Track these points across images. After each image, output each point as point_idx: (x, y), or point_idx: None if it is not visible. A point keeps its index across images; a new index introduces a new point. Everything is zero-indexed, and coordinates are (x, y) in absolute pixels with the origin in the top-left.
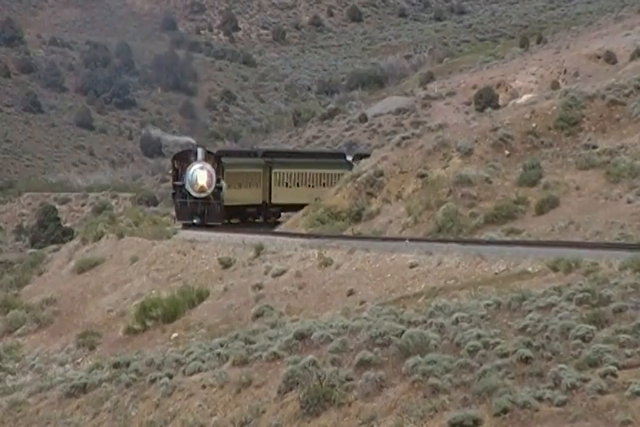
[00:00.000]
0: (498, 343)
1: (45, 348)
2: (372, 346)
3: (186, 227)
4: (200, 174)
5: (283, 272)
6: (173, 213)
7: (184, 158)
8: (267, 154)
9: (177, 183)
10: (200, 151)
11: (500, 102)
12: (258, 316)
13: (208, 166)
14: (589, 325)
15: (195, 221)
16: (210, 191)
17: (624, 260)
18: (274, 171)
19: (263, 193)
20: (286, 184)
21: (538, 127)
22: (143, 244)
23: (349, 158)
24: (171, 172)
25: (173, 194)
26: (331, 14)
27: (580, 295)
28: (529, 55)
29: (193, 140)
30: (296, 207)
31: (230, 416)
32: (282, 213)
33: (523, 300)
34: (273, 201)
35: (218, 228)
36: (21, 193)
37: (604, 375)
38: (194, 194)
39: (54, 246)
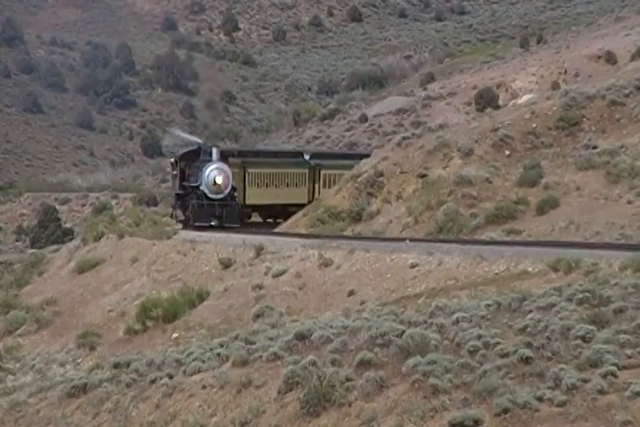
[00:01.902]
0: (498, 344)
1: (46, 348)
2: (373, 346)
3: (202, 229)
4: (217, 175)
5: (283, 272)
6: (179, 214)
7: (192, 158)
8: (241, 153)
9: (186, 184)
10: (215, 151)
11: (501, 103)
12: (258, 316)
13: (224, 166)
14: (590, 325)
15: (213, 223)
16: (227, 192)
17: (624, 260)
18: (248, 171)
19: (239, 194)
20: (257, 184)
21: (538, 127)
22: (143, 244)
23: (307, 157)
24: (175, 172)
25: (179, 195)
26: (331, 14)
27: (581, 296)
28: (529, 55)
29: (200, 140)
30: (265, 209)
31: (230, 417)
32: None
33: (523, 300)
34: (247, 202)
35: (217, 228)
36: (22, 193)
37: (604, 376)
38: (210, 195)
39: (54, 247)
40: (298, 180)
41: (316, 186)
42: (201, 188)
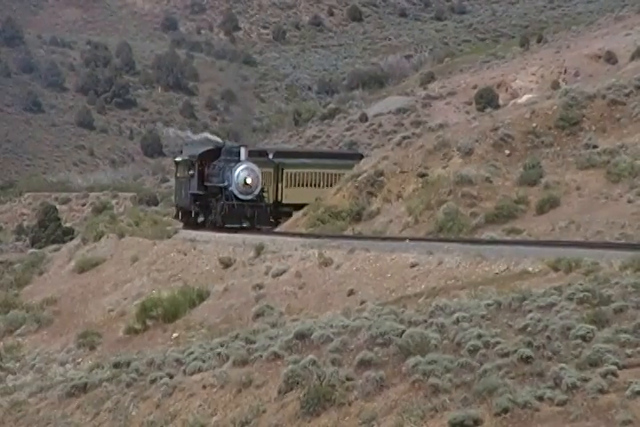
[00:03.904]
0: (498, 343)
1: (46, 348)
2: (373, 346)
3: (221, 228)
4: (247, 175)
5: (283, 272)
6: (195, 214)
7: (211, 157)
8: None
9: (210, 184)
10: (243, 150)
11: (501, 102)
12: (258, 315)
13: (254, 166)
14: (590, 324)
15: (244, 224)
16: (257, 192)
17: (624, 259)
18: None
19: None
20: None
21: (538, 127)
22: (144, 243)
23: (270, 156)
24: (192, 172)
25: (199, 195)
26: (331, 14)
27: (581, 295)
28: (529, 55)
29: (212, 137)
30: None
31: (231, 416)
32: None
33: (523, 299)
34: None
35: (218, 228)
36: (22, 193)
37: (604, 375)
38: (240, 196)
39: (55, 246)
40: (264, 179)
41: (280, 185)
42: (230, 188)
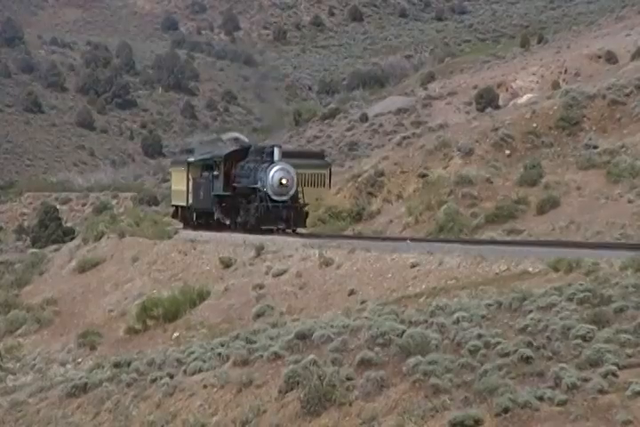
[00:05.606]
0: (499, 343)
1: (46, 348)
2: (373, 346)
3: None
4: (283, 176)
5: (283, 272)
6: (223, 217)
7: (238, 158)
8: (187, 152)
9: (240, 185)
10: (277, 151)
11: (501, 102)
12: (259, 315)
13: (289, 167)
14: (590, 324)
15: (280, 226)
16: (292, 193)
17: (625, 260)
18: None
19: (185, 195)
20: None
21: (538, 127)
22: (144, 244)
23: None
24: (216, 172)
25: (225, 197)
26: (331, 14)
27: (581, 295)
28: (530, 55)
29: (241, 136)
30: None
31: (231, 416)
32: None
33: (523, 300)
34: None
35: (218, 228)
36: (22, 193)
37: (604, 375)
38: (274, 197)
39: (55, 246)
40: None
41: None
42: (264, 189)
